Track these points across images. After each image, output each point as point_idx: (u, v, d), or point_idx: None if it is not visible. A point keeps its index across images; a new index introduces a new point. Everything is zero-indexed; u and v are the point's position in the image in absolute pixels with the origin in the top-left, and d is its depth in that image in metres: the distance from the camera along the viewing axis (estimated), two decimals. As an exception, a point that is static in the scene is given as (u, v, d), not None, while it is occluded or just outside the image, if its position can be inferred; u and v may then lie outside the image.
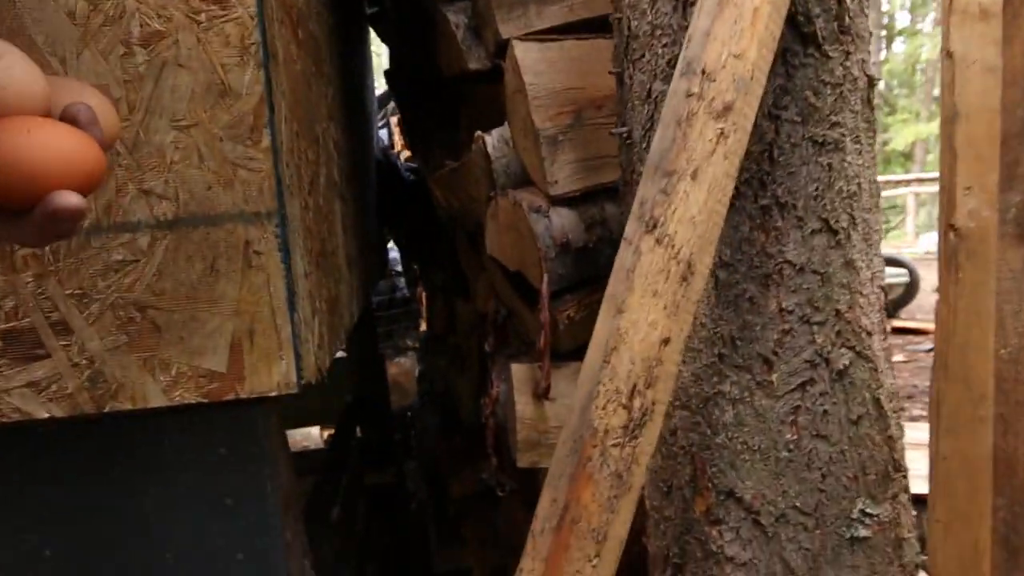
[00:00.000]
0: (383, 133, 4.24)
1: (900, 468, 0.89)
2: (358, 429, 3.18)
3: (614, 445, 0.64)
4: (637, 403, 0.65)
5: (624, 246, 0.68)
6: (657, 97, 0.87)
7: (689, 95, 0.67)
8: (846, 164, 0.84)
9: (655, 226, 0.66)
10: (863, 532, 0.81)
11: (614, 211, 1.11)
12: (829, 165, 0.82)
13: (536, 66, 1.07)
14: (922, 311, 6.23)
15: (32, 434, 0.87)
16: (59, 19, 0.78)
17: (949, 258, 0.72)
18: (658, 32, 0.86)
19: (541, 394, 1.07)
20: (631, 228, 0.67)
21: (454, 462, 2.15)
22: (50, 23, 0.78)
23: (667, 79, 0.86)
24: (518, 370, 1.10)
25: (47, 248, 0.79)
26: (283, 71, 0.89)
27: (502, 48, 1.13)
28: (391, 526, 3.01)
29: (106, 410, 0.82)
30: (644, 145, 0.90)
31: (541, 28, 1.10)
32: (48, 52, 0.78)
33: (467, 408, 2.20)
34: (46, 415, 0.81)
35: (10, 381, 0.80)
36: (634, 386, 0.65)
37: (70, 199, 0.42)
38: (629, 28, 0.91)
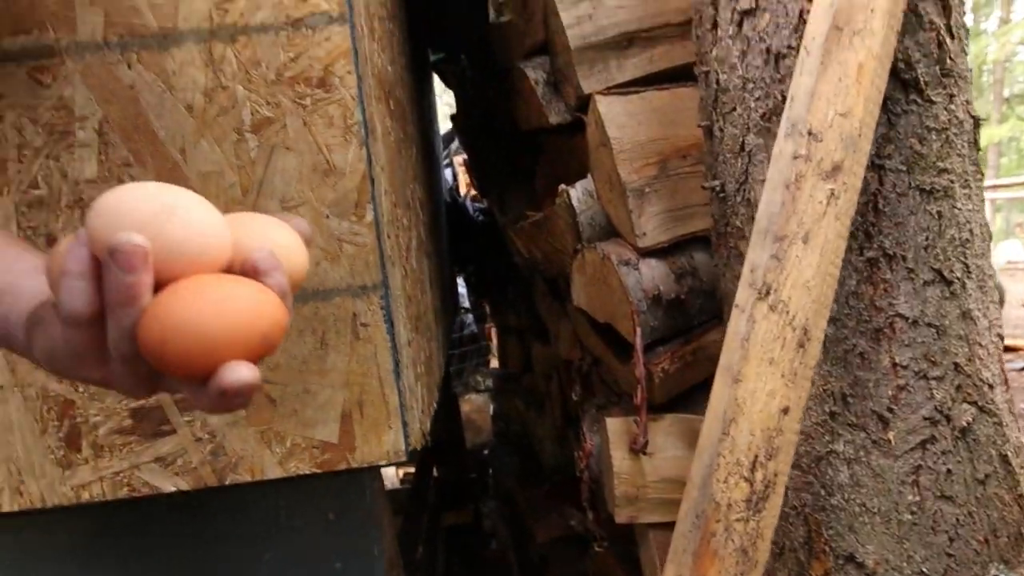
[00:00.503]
0: (447, 173, 4.31)
1: (1032, 525, 0.84)
2: (435, 468, 3.20)
3: (738, 520, 0.63)
4: (759, 475, 0.63)
5: (736, 313, 0.67)
6: (751, 151, 0.86)
7: (796, 157, 0.66)
8: (956, 210, 0.81)
9: (768, 292, 0.65)
10: (1000, 599, 0.77)
11: (704, 260, 1.10)
12: (939, 213, 0.80)
13: (619, 119, 1.08)
14: (1009, 325, 5.90)
15: (157, 503, 0.91)
16: (178, 113, 0.83)
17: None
18: (749, 86, 0.85)
19: (639, 449, 1.06)
20: (743, 295, 0.67)
21: (537, 506, 2.14)
22: (170, 117, 0.83)
23: (760, 133, 0.85)
24: (613, 424, 1.09)
25: (169, 328, 0.83)
26: (381, 145, 0.92)
27: (583, 102, 1.14)
28: (470, 567, 3.01)
29: (227, 482, 0.85)
30: (739, 198, 0.89)
31: (622, 81, 1.11)
32: (169, 144, 0.83)
33: (547, 451, 2.19)
34: (173, 488, 0.85)
35: (140, 456, 0.84)
36: (755, 458, 0.63)
37: (240, 375, 0.38)
38: (718, 82, 0.91)
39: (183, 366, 0.38)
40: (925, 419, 0.79)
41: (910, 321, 0.80)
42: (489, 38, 1.50)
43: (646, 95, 1.10)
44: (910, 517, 0.80)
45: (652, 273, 1.08)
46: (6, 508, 0.83)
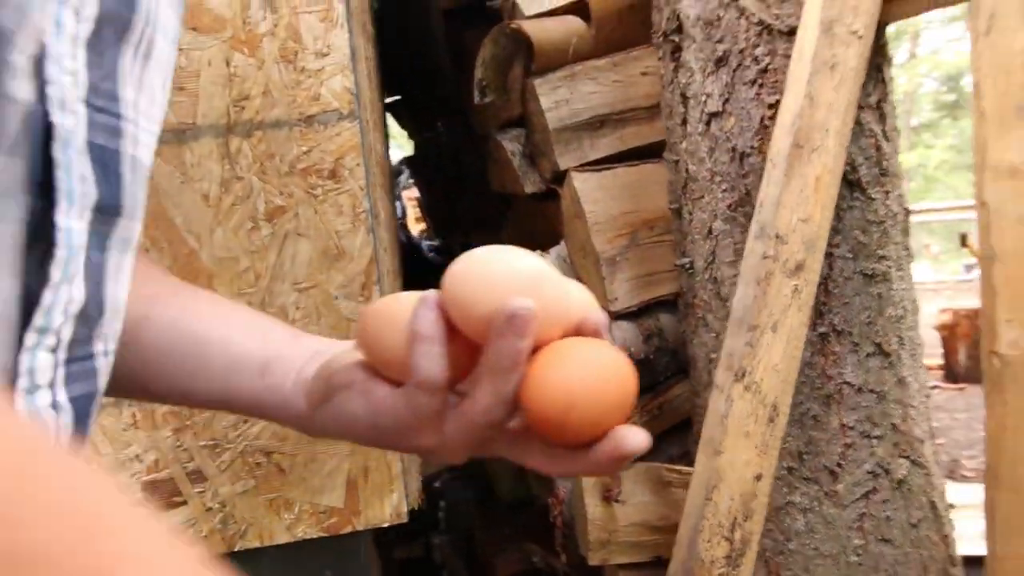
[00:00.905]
0: (396, 206, 4.36)
1: (955, 563, 0.97)
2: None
3: (720, 574, 0.72)
4: (738, 535, 0.73)
5: (716, 393, 0.77)
6: (718, 235, 0.97)
7: (765, 257, 0.77)
8: (892, 291, 0.94)
9: (743, 375, 0.75)
10: (935, 630, 0.89)
11: (668, 322, 1.20)
12: (879, 295, 0.92)
13: (593, 194, 1.18)
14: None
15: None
16: (195, 201, 0.88)
17: (995, 381, 0.82)
18: (717, 179, 0.97)
19: (613, 498, 1.15)
20: (722, 377, 0.77)
21: (497, 541, 2.20)
22: (188, 206, 0.88)
23: (727, 220, 0.96)
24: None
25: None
26: (384, 229, 0.99)
27: (558, 175, 1.23)
28: (424, 599, 3.03)
29: (236, 549, 0.90)
30: (706, 275, 1.00)
31: (595, 158, 1.21)
32: (185, 231, 0.88)
33: (504, 486, 2.26)
34: (184, 557, 0.88)
35: (151, 527, 0.88)
36: (735, 519, 0.73)
37: (638, 440, 0.37)
38: (687, 171, 1.02)
39: (582, 433, 0.37)
40: (868, 472, 0.91)
41: (855, 388, 0.92)
42: (466, 107, 1.59)
43: (617, 171, 1.21)
44: (856, 559, 0.91)
45: (624, 335, 1.18)
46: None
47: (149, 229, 0.87)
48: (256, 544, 0.90)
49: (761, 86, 0.93)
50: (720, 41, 0.94)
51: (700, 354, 1.04)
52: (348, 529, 0.92)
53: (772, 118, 0.93)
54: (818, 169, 0.78)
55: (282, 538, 0.90)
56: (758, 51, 0.92)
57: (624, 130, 1.22)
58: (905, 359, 0.94)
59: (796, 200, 0.77)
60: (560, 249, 1.28)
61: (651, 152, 1.23)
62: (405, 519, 0.94)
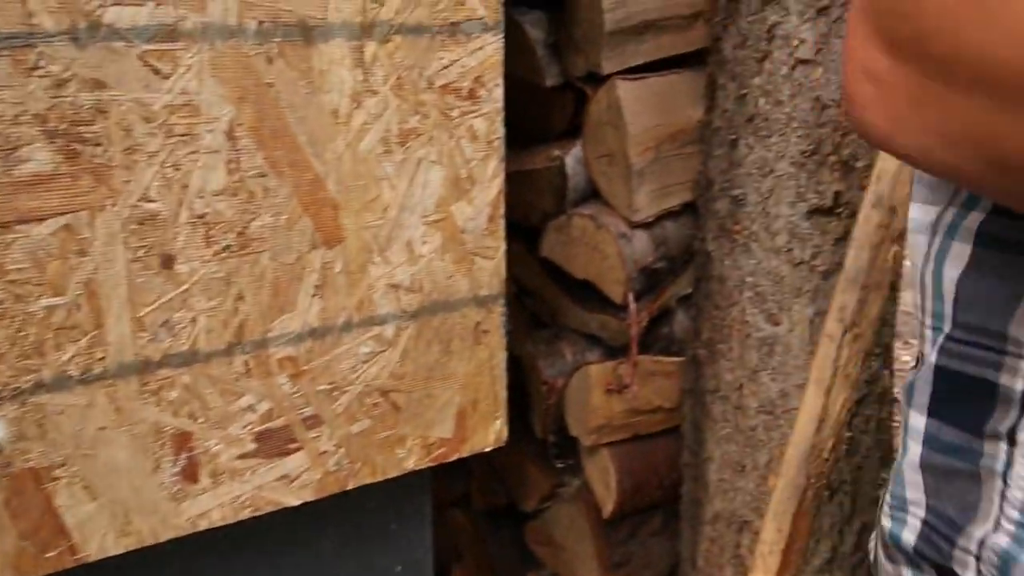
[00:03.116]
0: None
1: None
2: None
3: (818, 487, 0.89)
4: (832, 456, 0.89)
5: (828, 341, 0.89)
6: (782, 176, 1.05)
7: (880, 225, 0.87)
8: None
9: (852, 327, 0.88)
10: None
11: (673, 231, 1.28)
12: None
13: (632, 105, 1.16)
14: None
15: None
16: (323, 118, 0.74)
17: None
18: (793, 123, 1.02)
19: (619, 390, 1.27)
20: (834, 327, 0.88)
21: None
22: (313, 122, 0.73)
23: (795, 164, 1.04)
24: (595, 370, 1.27)
25: (302, 350, 0.79)
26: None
27: (590, 75, 1.18)
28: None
29: (348, 487, 0.87)
30: (759, 209, 1.09)
31: (633, 64, 1.17)
32: (311, 154, 0.74)
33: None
34: (297, 502, 0.84)
35: (264, 478, 0.81)
36: (831, 445, 0.89)
37: None
38: (756, 105, 1.06)
39: None
40: (865, 383, 1.13)
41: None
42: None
43: (650, 80, 1.19)
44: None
45: (640, 245, 1.24)
46: (112, 551, 0.75)
47: (267, 149, 0.71)
48: (369, 480, 0.88)
49: (853, 41, 0.98)
50: (824, -12, 0.96)
51: (733, 275, 1.15)
52: (455, 456, 0.93)
53: (856, 74, 1.00)
54: (926, 147, 0.88)
55: (394, 472, 0.89)
56: (859, 6, 0.96)
57: (661, 38, 1.20)
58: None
59: (908, 176, 0.87)
60: (577, 151, 1.26)
61: (679, 63, 1.23)
62: (504, 443, 0.97)
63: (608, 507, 1.39)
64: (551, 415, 1.39)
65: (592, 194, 1.30)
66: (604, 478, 1.38)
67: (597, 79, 1.19)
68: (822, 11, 0.97)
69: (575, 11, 1.16)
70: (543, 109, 1.35)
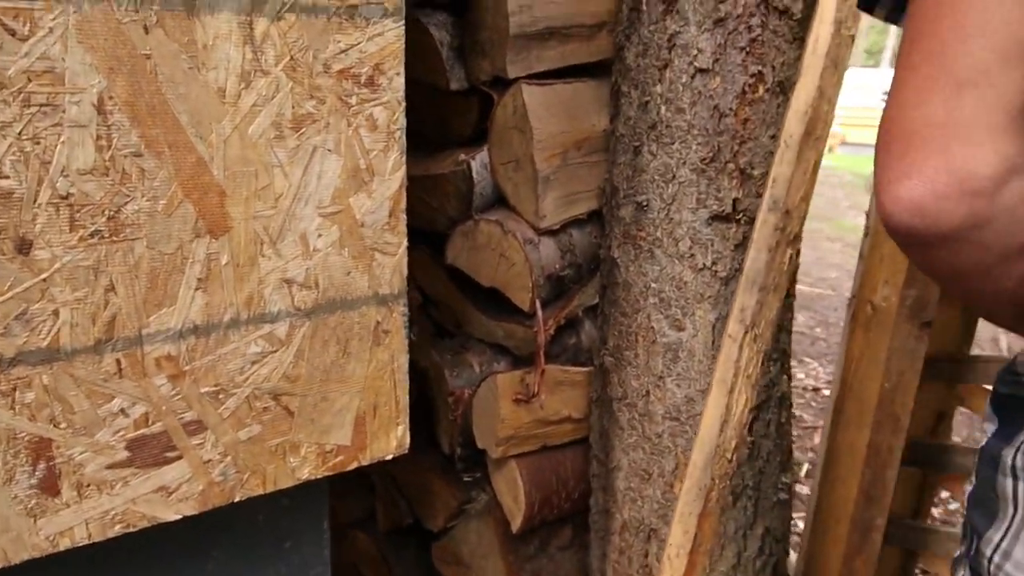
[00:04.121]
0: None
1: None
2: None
3: (722, 488, 0.89)
4: (735, 457, 0.89)
5: (730, 342, 0.89)
6: (684, 182, 1.07)
7: (776, 228, 0.90)
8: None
9: (752, 327, 0.89)
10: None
11: (579, 239, 1.28)
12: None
13: (538, 110, 1.16)
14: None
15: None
16: (207, 96, 0.69)
17: (866, 322, 1.10)
18: (694, 131, 1.04)
19: (527, 399, 1.25)
20: (735, 328, 0.89)
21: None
22: (197, 100, 0.68)
23: (695, 170, 1.06)
24: (503, 380, 1.25)
25: (183, 348, 0.73)
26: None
27: (494, 79, 1.17)
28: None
29: (235, 499, 0.80)
30: (662, 215, 1.10)
31: (539, 71, 1.17)
32: (194, 135, 0.69)
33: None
34: (176, 516, 0.77)
35: (137, 490, 0.74)
36: (735, 445, 0.89)
37: None
38: (658, 113, 1.07)
39: None
40: (764, 387, 1.15)
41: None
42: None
43: (557, 87, 1.20)
44: (746, 451, 1.17)
45: (547, 252, 1.23)
46: (-49, 577, 0.66)
47: (143, 126, 0.66)
48: (259, 491, 0.81)
49: (748, 54, 1.02)
50: (723, 1, 0.99)
51: (638, 281, 1.15)
52: (354, 465, 0.88)
53: (752, 86, 1.03)
54: (815, 154, 0.91)
55: (286, 482, 0.83)
56: (752, 21, 1.00)
57: (567, 46, 1.21)
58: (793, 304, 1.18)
59: (801, 180, 0.90)
60: (483, 156, 1.25)
61: (583, 72, 1.24)
62: (406, 450, 0.93)
63: (517, 521, 1.36)
64: (458, 427, 1.35)
65: (498, 200, 1.28)
66: (512, 491, 1.35)
67: (503, 84, 1.18)
68: (719, 22, 1.00)
69: (480, 14, 1.16)
70: (448, 114, 1.34)
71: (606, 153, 1.24)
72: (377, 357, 0.86)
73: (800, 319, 4.70)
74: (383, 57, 0.77)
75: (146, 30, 0.64)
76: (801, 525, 1.62)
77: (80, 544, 0.71)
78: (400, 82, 0.79)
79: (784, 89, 1.03)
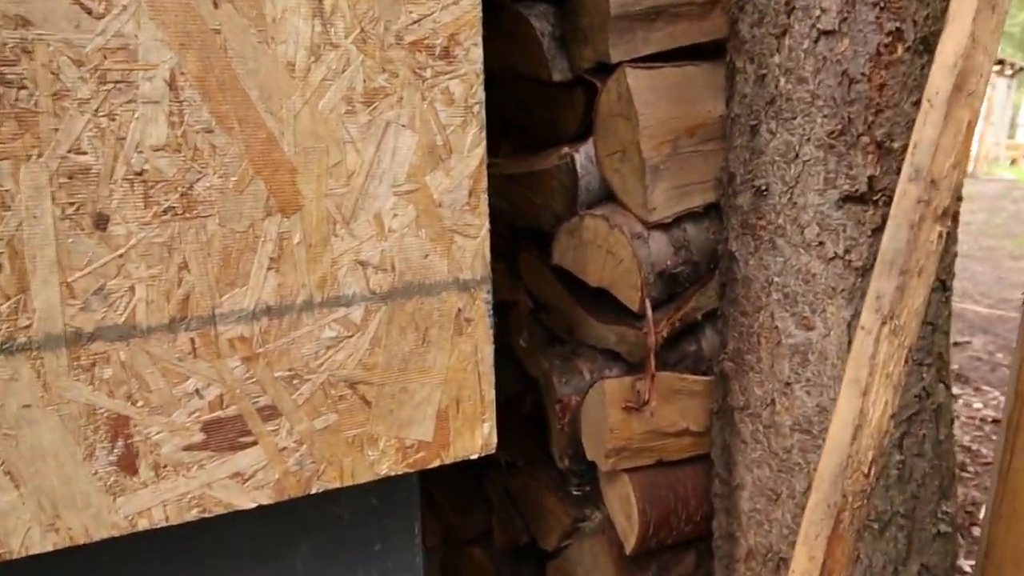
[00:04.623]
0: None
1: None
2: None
3: (857, 507, 0.75)
4: (872, 471, 0.76)
5: (863, 335, 0.77)
6: (808, 161, 0.95)
7: (919, 201, 0.76)
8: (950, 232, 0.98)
9: (891, 317, 0.76)
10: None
11: (694, 234, 1.18)
12: (947, 233, 0.96)
13: (645, 95, 1.08)
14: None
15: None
16: (277, 71, 0.67)
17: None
18: (818, 102, 0.92)
19: (638, 407, 1.15)
20: (869, 319, 0.77)
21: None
22: (266, 75, 0.67)
23: (822, 146, 0.94)
24: (611, 385, 1.16)
25: (256, 330, 0.71)
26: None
27: (599, 66, 1.11)
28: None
29: (312, 491, 0.78)
30: (784, 200, 0.98)
31: (646, 53, 1.10)
32: (263, 109, 0.68)
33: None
34: (252, 504, 0.75)
35: (213, 474, 0.73)
36: (872, 457, 0.76)
37: None
38: (776, 86, 0.96)
39: None
40: (915, 396, 0.99)
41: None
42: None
43: (665, 71, 1.12)
44: (895, 472, 1.00)
45: (657, 247, 1.14)
46: (37, 549, 0.67)
47: (213, 102, 0.66)
48: (336, 484, 0.78)
49: (883, 9, 0.89)
50: (849, -50, 0.87)
51: (759, 276, 1.03)
52: (436, 463, 0.83)
53: (888, 46, 0.90)
54: (969, 114, 0.77)
55: (364, 477, 0.80)
56: (888, -32, 0.87)
57: (676, 26, 1.12)
58: (954, 293, 1.01)
59: (950, 145, 0.76)
60: (588, 148, 1.19)
61: (695, 54, 1.15)
62: (494, 450, 0.87)
63: (630, 541, 1.25)
64: (567, 437, 1.27)
65: (607, 196, 1.21)
66: (625, 508, 1.25)
67: (607, 71, 1.12)
68: (846, -25, 0.88)
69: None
70: (555, 109, 1.28)
71: (723, 141, 1.14)
72: (459, 347, 0.81)
73: (978, 343, 4.19)
74: (459, 27, 0.73)
75: (215, 4, 0.64)
76: (970, 569, 1.38)
77: (158, 525, 0.71)
78: (478, 53, 0.75)
79: (929, 47, 0.89)
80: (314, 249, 0.72)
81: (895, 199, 0.78)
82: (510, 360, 1.55)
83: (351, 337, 0.75)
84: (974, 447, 2.98)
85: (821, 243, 0.96)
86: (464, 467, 1.85)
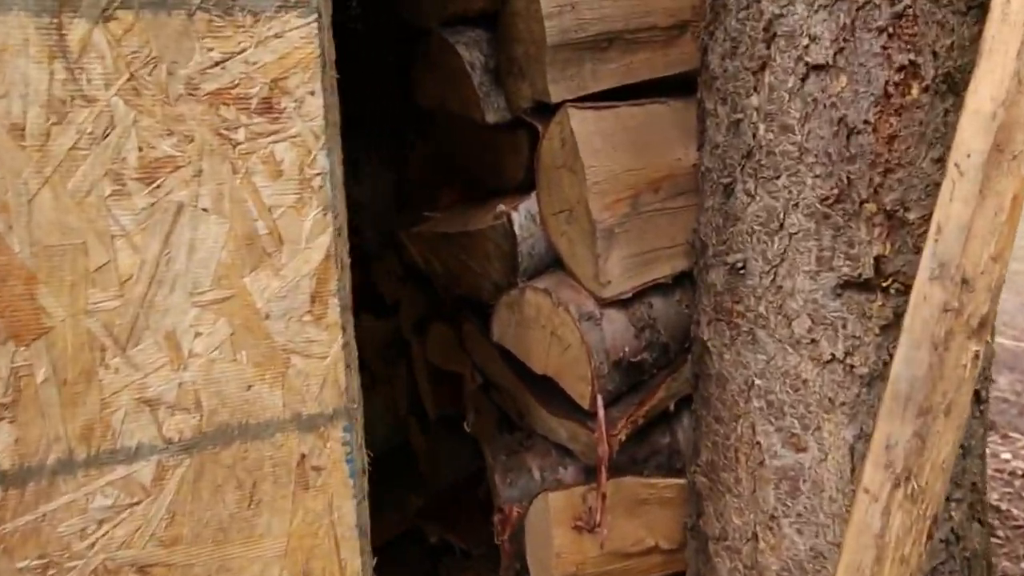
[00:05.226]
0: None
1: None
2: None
3: None
4: None
5: (866, 500, 0.54)
6: (797, 234, 0.73)
7: (946, 309, 0.54)
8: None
9: (908, 478, 0.53)
10: None
11: (662, 308, 0.96)
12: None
13: (593, 141, 0.87)
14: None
15: None
16: (-7, 139, 0.46)
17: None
18: (808, 157, 0.70)
19: (588, 528, 0.93)
20: (874, 478, 0.54)
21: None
22: (-24, 145, 0.46)
23: (813, 215, 0.72)
24: (556, 499, 0.94)
25: (-15, 504, 0.49)
26: (340, 195, 0.62)
27: (539, 105, 0.90)
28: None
29: None
30: (766, 282, 0.76)
31: (595, 91, 0.89)
32: (-25, 195, 0.46)
33: (379, 432, 1.99)
34: None
35: None
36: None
37: None
38: (755, 135, 0.74)
39: None
40: (941, 541, 0.75)
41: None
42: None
43: (620, 111, 0.90)
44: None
45: (614, 329, 0.92)
46: None
47: None
48: None
49: (892, 36, 0.67)
50: (845, -40, 0.65)
51: (736, 375, 0.81)
52: (277, 661, 0.60)
53: (899, 85, 0.67)
54: (1016, 184, 0.55)
55: None
56: (898, -15, 0.65)
57: (635, 55, 0.91)
58: (989, 408, 0.78)
59: (989, 228, 0.54)
60: (530, 205, 0.97)
61: (659, 89, 0.93)
62: (363, 634, 0.64)
63: None
64: (510, 554, 1.04)
65: (555, 261, 0.99)
66: (579, 645, 1.02)
67: (550, 110, 0.90)
68: (842, -7, 0.66)
69: (511, 21, 0.89)
70: (495, 154, 1.07)
71: (696, 195, 0.92)
72: (305, 506, 0.59)
73: (1003, 382, 3.90)
74: (285, 69, 0.52)
75: None
76: None
77: None
78: (317, 105, 0.53)
79: (954, 87, 0.67)
80: (71, 388, 0.50)
81: (911, 303, 0.55)
82: (463, 434, 1.33)
83: (137, 504, 0.54)
84: (1003, 506, 2.70)
85: (814, 341, 0.73)
86: (419, 552, 1.62)
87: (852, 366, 0.72)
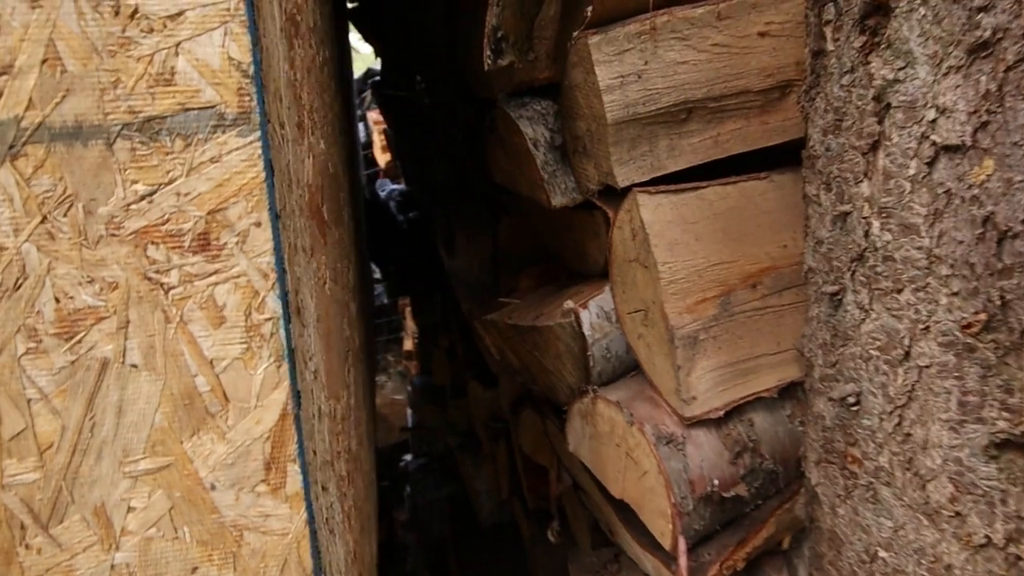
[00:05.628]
0: (360, 128, 3.78)
1: None
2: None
3: None
4: None
5: None
6: (928, 367, 0.54)
7: None
8: None
9: None
10: None
11: (766, 428, 0.79)
12: None
13: (669, 232, 0.73)
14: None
15: None
16: None
17: None
18: (941, 268, 0.52)
19: None
20: None
21: (470, 562, 1.86)
22: None
23: (949, 344, 0.53)
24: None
25: None
26: (313, 331, 0.53)
27: (609, 188, 0.77)
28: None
29: None
30: (889, 426, 0.57)
31: (674, 170, 0.75)
32: None
33: (485, 507, 1.89)
34: None
35: None
36: None
37: None
38: (867, 233, 0.57)
39: None
40: None
41: None
42: (455, 45, 1.08)
43: (705, 193, 0.75)
44: None
45: (701, 456, 0.75)
46: None
47: None
48: None
49: (1064, 101, 0.47)
50: (985, 10, 0.48)
51: (855, 539, 0.62)
52: None
53: (1078, 167, 0.48)
54: None
55: None
56: (1069, 31, 0.46)
57: (722, 126, 0.75)
58: None
59: None
60: (603, 300, 0.83)
61: (757, 163, 0.77)
62: None
63: None
64: None
65: (636, 364, 0.84)
66: None
67: (620, 194, 0.77)
68: (978, 50, 0.48)
69: (572, 94, 0.76)
70: (576, 235, 0.94)
71: (806, 288, 0.74)
72: None
73: None
74: (225, 199, 0.44)
75: None
76: None
77: None
78: (264, 238, 0.44)
79: None
80: (-15, 572, 0.43)
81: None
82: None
83: None
84: None
85: (959, 515, 0.53)
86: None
87: (1019, 557, 0.51)
